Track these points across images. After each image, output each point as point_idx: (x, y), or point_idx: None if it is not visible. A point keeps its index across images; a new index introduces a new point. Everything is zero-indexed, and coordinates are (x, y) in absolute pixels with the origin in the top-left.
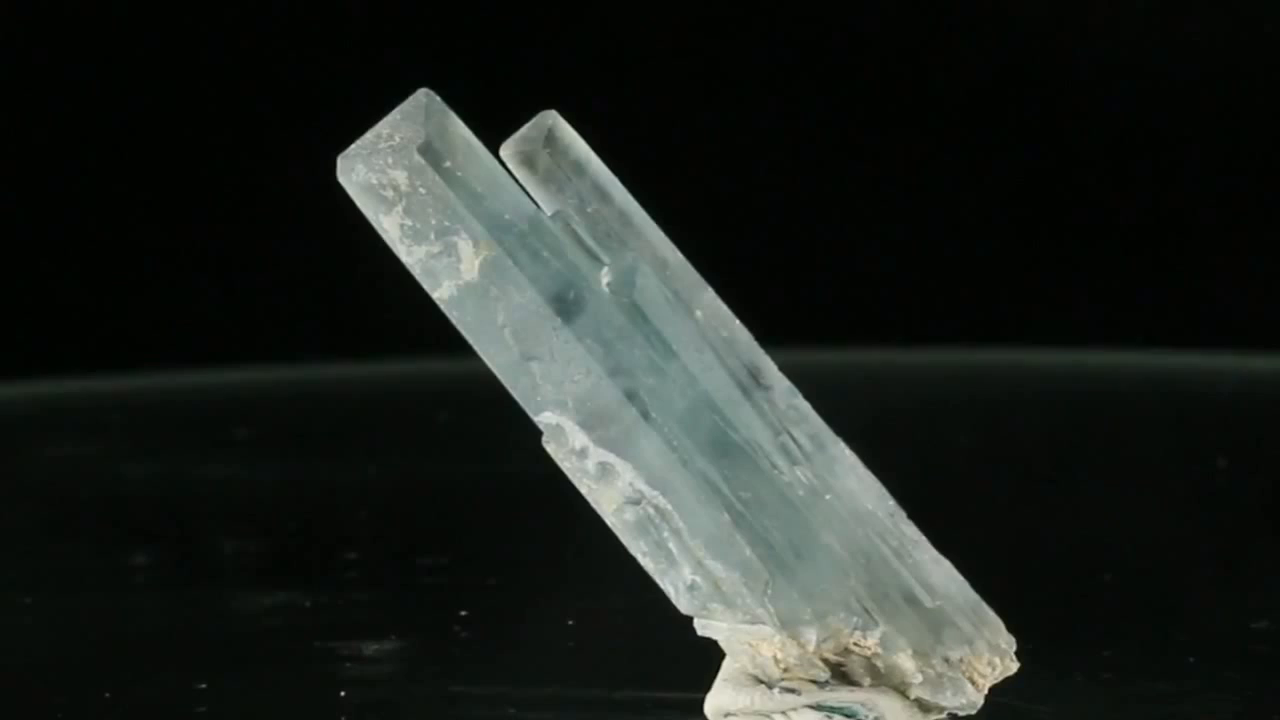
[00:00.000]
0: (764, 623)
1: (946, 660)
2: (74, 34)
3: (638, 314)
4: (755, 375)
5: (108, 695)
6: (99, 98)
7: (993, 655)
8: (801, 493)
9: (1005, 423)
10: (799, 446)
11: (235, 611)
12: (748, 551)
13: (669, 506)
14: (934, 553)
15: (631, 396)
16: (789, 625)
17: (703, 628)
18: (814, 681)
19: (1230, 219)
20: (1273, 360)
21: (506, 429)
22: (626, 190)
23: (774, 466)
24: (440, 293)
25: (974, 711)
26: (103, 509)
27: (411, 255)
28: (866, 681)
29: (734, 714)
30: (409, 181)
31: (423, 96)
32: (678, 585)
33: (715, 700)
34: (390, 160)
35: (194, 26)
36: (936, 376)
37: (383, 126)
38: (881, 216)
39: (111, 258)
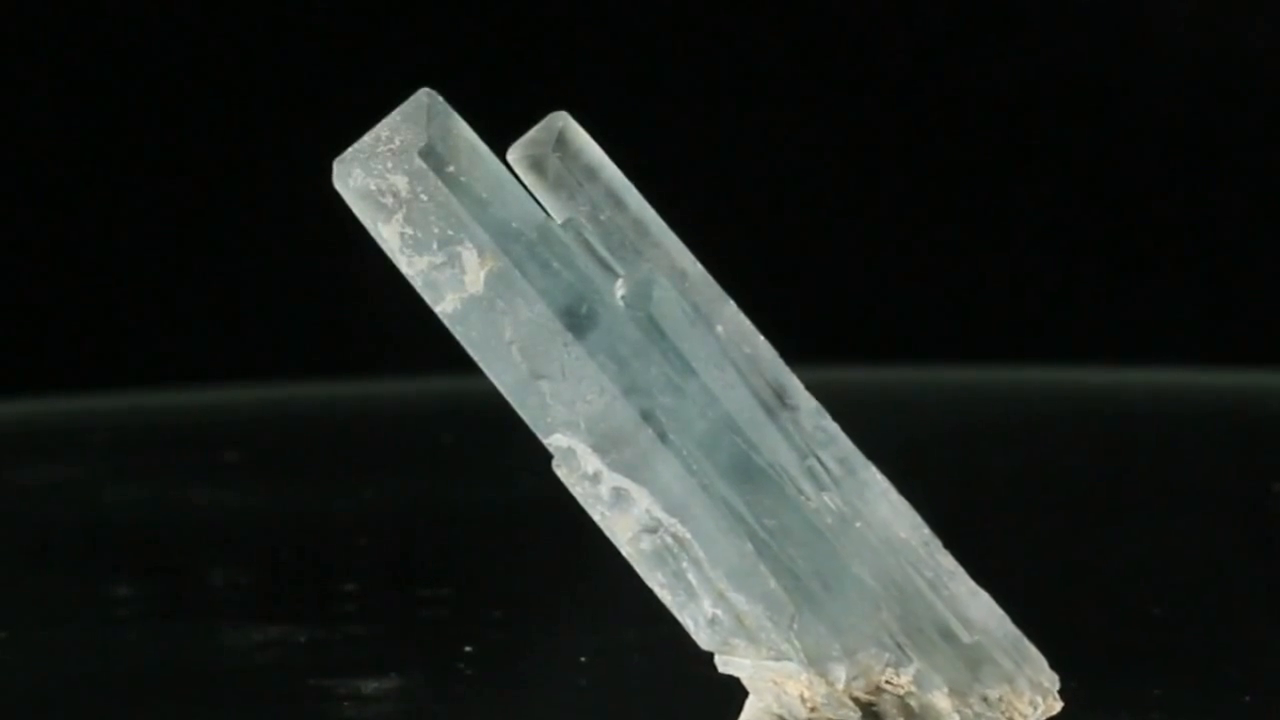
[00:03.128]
0: (790, 659)
1: (985, 699)
2: (52, 35)
3: (654, 329)
4: (780, 394)
5: None
6: (82, 104)
7: (1034, 694)
8: (830, 520)
9: (1047, 445)
10: (827, 471)
11: (225, 647)
12: (772, 583)
13: (688, 535)
14: (971, 584)
15: (648, 417)
16: (816, 662)
17: (724, 664)
18: None
19: None
20: None
21: (514, 452)
22: (642, 197)
23: (800, 492)
24: (443, 306)
25: None
26: (83, 536)
27: (412, 266)
28: None
29: None
30: (410, 187)
31: (424, 97)
32: (697, 619)
33: None
34: (390, 165)
35: (178, 22)
36: (973, 396)
37: (381, 129)
38: (914, 226)
39: (92, 268)
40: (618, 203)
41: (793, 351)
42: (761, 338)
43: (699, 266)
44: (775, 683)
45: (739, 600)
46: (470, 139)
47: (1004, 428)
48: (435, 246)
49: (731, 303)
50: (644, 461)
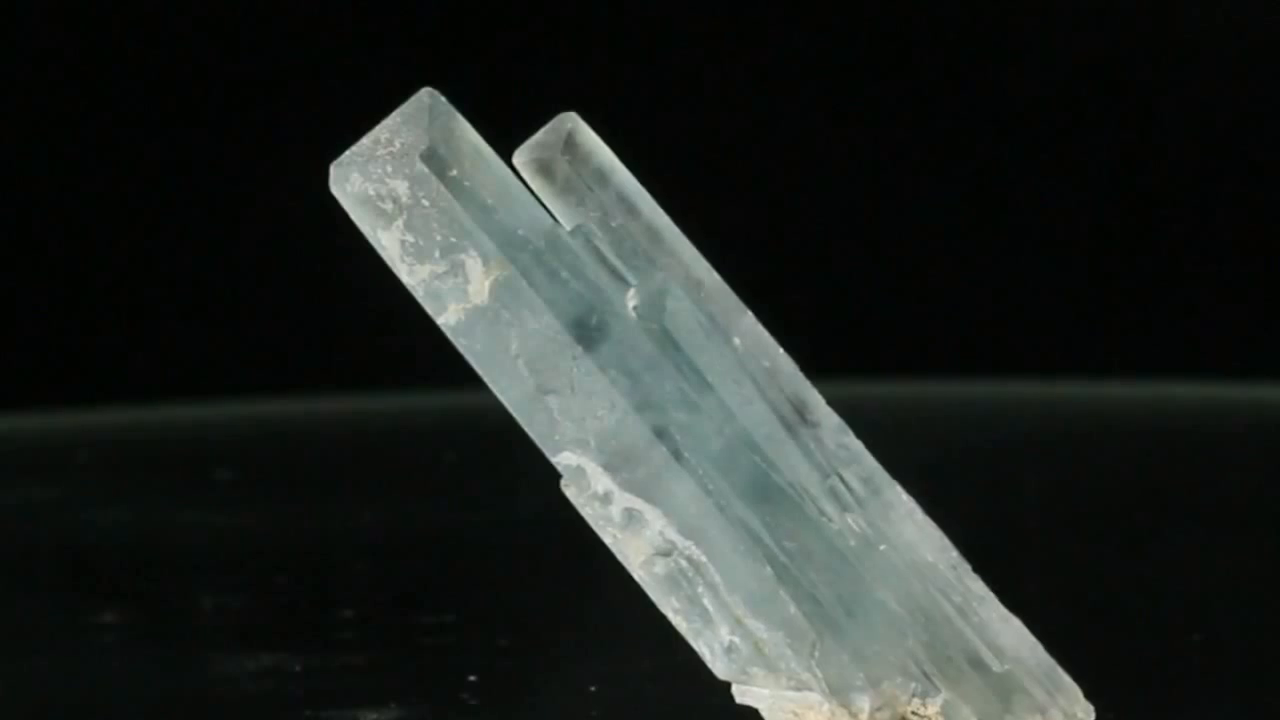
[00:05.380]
0: (811, 689)
1: None
2: (42, 37)
3: (668, 341)
4: (801, 410)
5: None
6: (66, 106)
7: None
8: (853, 543)
9: (1080, 462)
10: (850, 491)
11: (215, 676)
12: (792, 609)
13: (703, 558)
14: (1002, 610)
15: (661, 434)
16: (839, 692)
17: (741, 694)
18: None
19: None
20: None
21: (520, 471)
22: (655, 203)
23: (822, 513)
24: (446, 318)
25: None
26: (66, 560)
27: (413, 275)
28: None
29: None
30: (411, 192)
31: (426, 97)
32: (714, 647)
33: None
34: (390, 168)
35: (168, 20)
36: (1003, 411)
37: (381, 130)
38: (943, 233)
39: (75, 276)
40: (630, 208)
41: (814, 365)
42: (781, 350)
43: (715, 275)
44: (795, 714)
45: (757, 627)
46: (474, 141)
47: (1035, 445)
48: (437, 255)
49: (749, 314)
50: (657, 481)
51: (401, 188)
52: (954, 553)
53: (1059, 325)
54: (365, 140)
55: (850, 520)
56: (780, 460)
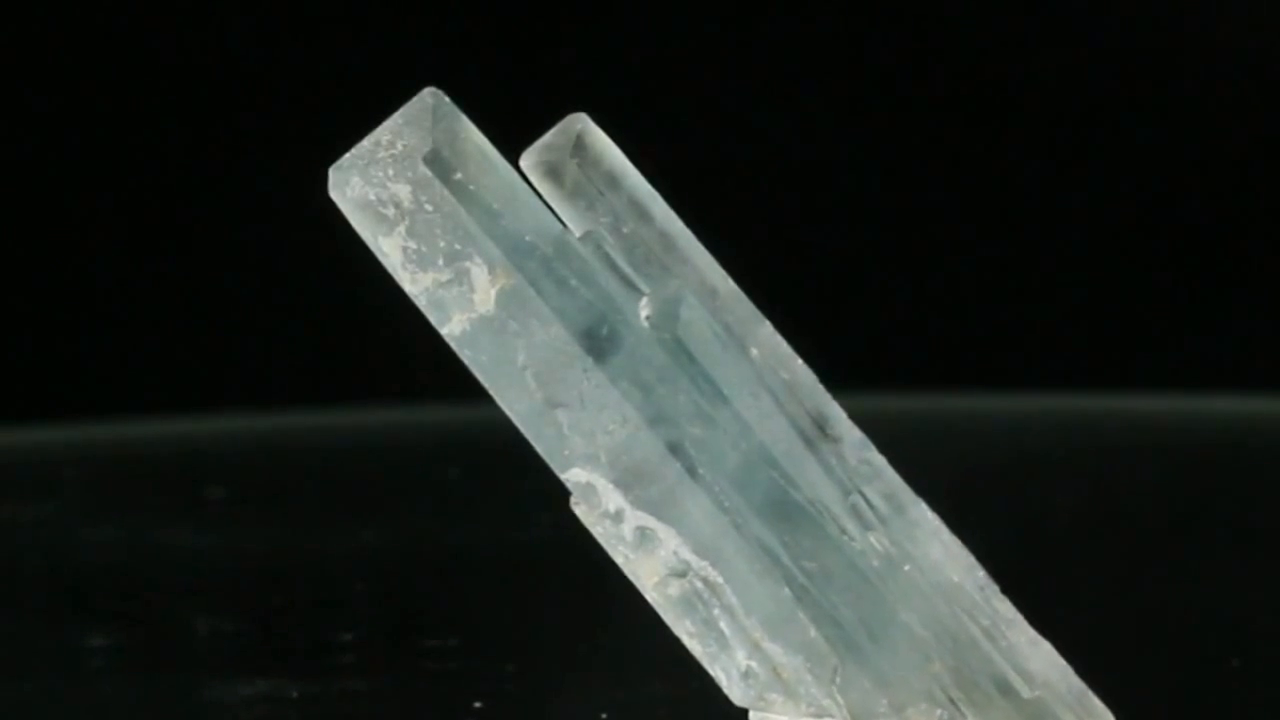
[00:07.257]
0: (832, 715)
1: None
2: (30, 39)
3: (682, 352)
4: (821, 424)
5: None
6: (61, 115)
7: None
8: (876, 563)
9: (1115, 480)
10: (872, 508)
11: (209, 702)
12: (812, 632)
13: (719, 579)
14: (1031, 633)
15: (675, 449)
16: (861, 718)
17: None
18: None
19: None
20: None
21: (527, 487)
22: (668, 207)
23: (843, 532)
24: (450, 328)
25: None
26: (53, 580)
27: (416, 284)
28: None
29: None
30: (413, 197)
31: (429, 97)
32: (730, 672)
33: None
34: (391, 172)
35: (158, 16)
36: (1035, 426)
37: (382, 132)
38: (969, 240)
39: (62, 285)
40: (642, 214)
41: (834, 377)
42: (800, 362)
43: (731, 284)
44: None
45: (776, 651)
46: (479, 144)
47: (1066, 461)
48: (441, 262)
49: (767, 323)
50: (671, 498)
51: (404, 192)
52: (981, 573)
53: (1090, 338)
54: (365, 142)
55: (873, 539)
56: (799, 476)
